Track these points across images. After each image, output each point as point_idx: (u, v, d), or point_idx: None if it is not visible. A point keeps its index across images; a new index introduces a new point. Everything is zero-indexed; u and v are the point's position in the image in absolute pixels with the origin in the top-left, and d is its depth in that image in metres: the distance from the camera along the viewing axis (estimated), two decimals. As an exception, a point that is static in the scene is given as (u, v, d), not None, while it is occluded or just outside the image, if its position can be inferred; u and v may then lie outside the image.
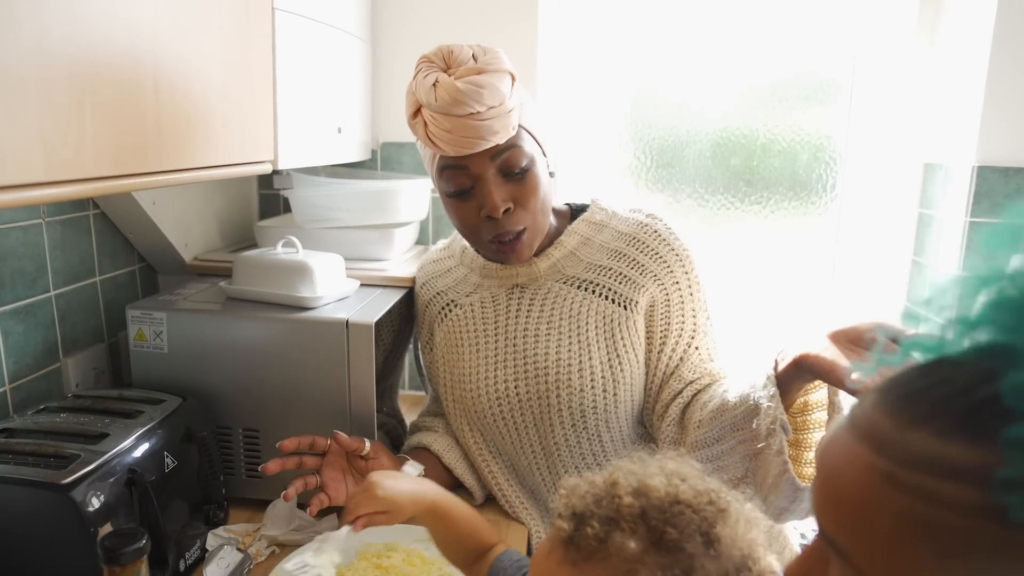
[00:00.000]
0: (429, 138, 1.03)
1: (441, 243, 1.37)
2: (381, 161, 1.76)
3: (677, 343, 1.15)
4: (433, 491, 0.91)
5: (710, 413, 1.04)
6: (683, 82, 1.79)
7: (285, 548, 1.10)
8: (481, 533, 0.91)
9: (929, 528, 0.38)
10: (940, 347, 0.41)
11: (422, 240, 1.73)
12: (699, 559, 0.59)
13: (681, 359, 1.15)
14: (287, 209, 1.73)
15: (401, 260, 1.51)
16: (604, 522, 0.62)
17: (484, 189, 1.06)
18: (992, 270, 0.39)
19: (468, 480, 1.23)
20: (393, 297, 1.29)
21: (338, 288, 1.26)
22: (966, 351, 0.40)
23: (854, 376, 0.83)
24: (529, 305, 1.17)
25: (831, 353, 0.87)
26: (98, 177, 0.77)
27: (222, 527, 1.14)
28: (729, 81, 1.77)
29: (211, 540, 1.10)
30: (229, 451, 1.23)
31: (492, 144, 1.03)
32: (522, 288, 1.19)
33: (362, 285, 1.34)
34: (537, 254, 1.17)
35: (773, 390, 0.94)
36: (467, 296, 1.23)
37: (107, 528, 0.91)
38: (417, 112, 1.04)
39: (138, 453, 1.00)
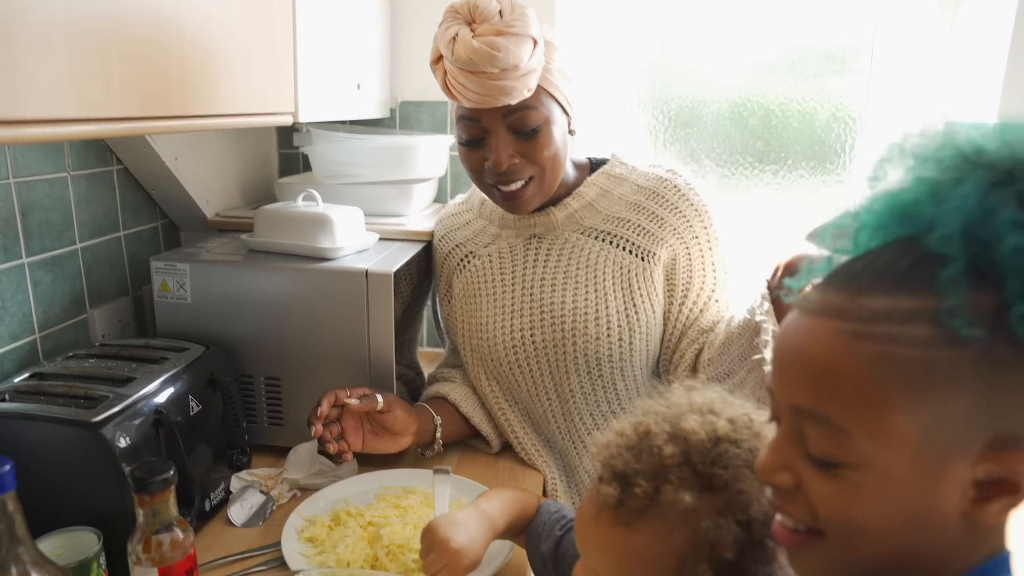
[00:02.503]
0: (447, 86, 1.04)
1: (460, 197, 1.38)
2: (400, 120, 1.76)
3: (699, 296, 1.17)
4: (489, 520, 0.86)
5: (718, 349, 1.06)
6: (702, 48, 1.77)
7: (306, 492, 1.13)
8: (526, 509, 0.90)
9: (896, 366, 0.44)
10: (856, 247, 0.50)
11: (440, 197, 1.74)
12: (753, 494, 0.59)
13: (701, 311, 1.17)
14: (307, 168, 1.74)
15: (420, 216, 1.52)
16: (650, 478, 0.61)
17: (492, 143, 1.08)
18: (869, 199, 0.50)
19: (485, 428, 1.25)
20: (412, 250, 1.31)
21: (358, 240, 1.28)
22: (876, 246, 0.49)
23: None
24: (547, 255, 1.18)
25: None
26: (125, 117, 0.78)
27: (245, 471, 1.17)
28: (748, 47, 1.75)
29: (235, 483, 1.13)
30: (251, 399, 1.26)
31: (504, 103, 1.04)
32: (540, 238, 1.20)
33: (381, 239, 1.35)
34: (555, 204, 1.18)
35: (767, 305, 0.96)
36: (485, 247, 1.24)
37: (136, 465, 0.94)
38: (438, 60, 1.05)
39: (164, 396, 1.03)
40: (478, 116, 1.07)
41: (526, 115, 1.07)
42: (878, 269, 0.47)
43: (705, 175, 1.80)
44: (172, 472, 0.81)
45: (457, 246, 1.28)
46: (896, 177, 0.49)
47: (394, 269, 1.17)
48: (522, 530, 0.90)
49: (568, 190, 1.19)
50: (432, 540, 0.81)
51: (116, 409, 0.95)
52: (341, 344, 1.20)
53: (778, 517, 0.53)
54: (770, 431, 0.61)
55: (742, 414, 0.65)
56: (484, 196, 1.24)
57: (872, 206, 0.50)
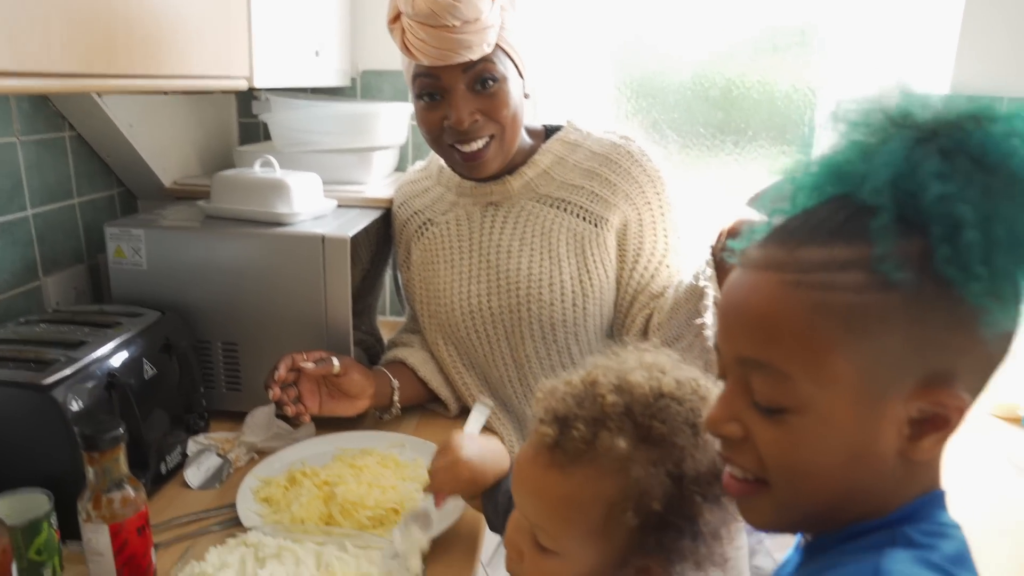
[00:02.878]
0: (406, 45, 1.04)
1: (419, 164, 1.38)
2: (361, 89, 1.75)
3: (649, 261, 1.18)
4: (506, 456, 0.88)
5: (667, 314, 1.08)
6: (665, 22, 1.78)
7: (264, 455, 1.14)
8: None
9: (833, 311, 0.47)
10: (794, 207, 0.53)
11: (402, 166, 1.73)
12: (688, 450, 0.62)
13: (652, 276, 1.18)
14: (267, 137, 1.73)
15: (380, 184, 1.52)
16: (589, 423, 0.62)
17: (452, 101, 1.08)
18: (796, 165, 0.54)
19: (443, 392, 1.26)
20: (370, 216, 1.31)
21: (315, 206, 1.28)
22: (812, 205, 0.52)
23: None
24: (503, 222, 1.20)
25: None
26: (65, 74, 0.77)
27: (203, 435, 1.17)
28: (711, 22, 1.76)
29: (192, 446, 1.14)
30: (209, 364, 1.26)
31: (465, 59, 1.04)
32: (496, 206, 1.21)
33: (339, 206, 1.35)
34: (510, 172, 1.19)
35: (710, 271, 0.98)
36: (443, 214, 1.25)
37: (89, 429, 0.94)
38: (396, 18, 1.05)
39: (117, 360, 1.03)
40: (437, 74, 1.07)
41: (485, 70, 1.07)
42: (815, 224, 0.50)
43: (667, 146, 1.81)
44: (121, 430, 0.81)
45: (415, 213, 1.29)
46: (831, 142, 0.52)
47: (351, 234, 1.17)
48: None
49: (524, 158, 1.20)
50: (446, 444, 0.85)
51: (67, 372, 0.94)
52: (298, 309, 1.21)
53: (727, 468, 0.56)
54: (715, 395, 0.64)
55: (690, 377, 0.67)
56: (442, 163, 1.24)
57: (809, 168, 0.53)
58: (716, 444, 0.63)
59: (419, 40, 1.02)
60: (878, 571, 0.46)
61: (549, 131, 1.25)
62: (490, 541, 1.23)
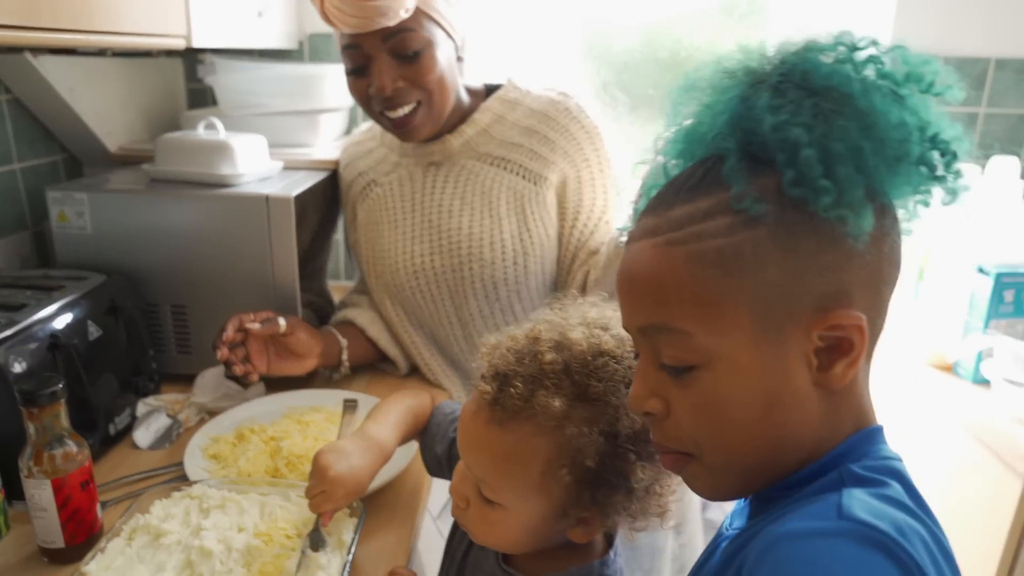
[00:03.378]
0: (325, 13, 1.04)
1: (364, 125, 1.38)
2: (309, 52, 1.74)
3: (588, 218, 1.20)
4: (377, 447, 0.85)
5: (602, 270, 1.11)
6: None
7: (214, 415, 1.15)
8: (417, 415, 0.91)
9: (708, 258, 0.49)
10: (667, 178, 0.56)
11: (351, 129, 1.73)
12: (624, 408, 0.63)
13: (592, 233, 1.20)
14: (215, 103, 1.70)
15: (328, 146, 1.52)
16: (528, 381, 0.64)
17: (375, 69, 1.08)
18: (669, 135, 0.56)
19: (392, 352, 1.28)
20: (316, 177, 1.31)
21: (260, 167, 1.27)
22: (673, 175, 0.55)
23: None
24: (444, 182, 1.20)
25: None
26: (-13, 27, 0.76)
27: (152, 396, 1.18)
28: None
29: (141, 408, 1.14)
30: (158, 327, 1.26)
31: (382, 25, 1.04)
32: (437, 166, 1.22)
33: (286, 167, 1.35)
34: (450, 131, 1.20)
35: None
36: (387, 175, 1.26)
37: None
38: None
39: (60, 323, 1.03)
40: (359, 43, 1.07)
41: (406, 38, 1.06)
42: (678, 185, 0.53)
43: (616, 107, 1.83)
44: (60, 386, 0.82)
45: (360, 174, 1.30)
46: (688, 111, 0.55)
47: (294, 194, 1.17)
48: (416, 435, 0.93)
49: (463, 117, 1.21)
50: (315, 466, 0.82)
51: (8, 333, 0.94)
52: (245, 270, 1.21)
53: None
54: None
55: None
56: None
57: (674, 138, 0.56)
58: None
59: (336, 8, 1.02)
60: (840, 508, 0.45)
61: (490, 90, 1.26)
62: (441, 495, 1.26)
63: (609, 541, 0.73)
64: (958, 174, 0.49)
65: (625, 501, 0.64)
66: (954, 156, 0.49)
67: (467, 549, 0.80)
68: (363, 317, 1.28)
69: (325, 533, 0.83)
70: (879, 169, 0.47)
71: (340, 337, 1.24)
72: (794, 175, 0.47)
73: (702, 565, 0.60)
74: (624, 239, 0.58)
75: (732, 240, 0.48)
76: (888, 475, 0.49)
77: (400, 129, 1.14)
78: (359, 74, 1.11)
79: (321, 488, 0.80)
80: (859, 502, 0.45)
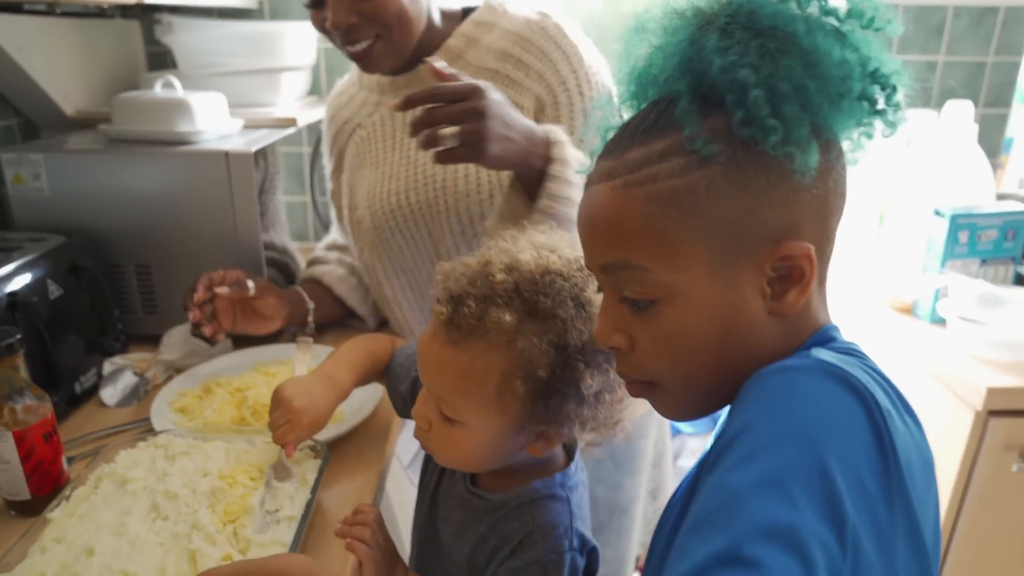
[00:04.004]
0: None
1: (345, 77, 1.33)
2: (270, 10, 1.71)
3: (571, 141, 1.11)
4: (336, 383, 0.88)
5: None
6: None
7: (181, 372, 1.15)
8: (376, 356, 0.93)
9: (665, 198, 0.51)
10: (621, 122, 0.57)
11: (315, 89, 1.72)
12: (572, 322, 0.66)
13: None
14: (175, 65, 1.69)
15: (291, 106, 1.51)
16: (480, 300, 0.66)
17: (330, 2, 1.05)
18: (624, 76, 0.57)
19: (361, 310, 1.28)
20: (278, 135, 1.31)
21: (220, 125, 1.27)
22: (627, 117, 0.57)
23: None
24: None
25: None
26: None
27: (119, 356, 1.18)
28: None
29: (107, 366, 1.15)
30: (123, 288, 1.26)
31: None
32: None
33: (247, 126, 1.34)
34: (423, 61, 1.09)
35: None
36: (369, 117, 1.22)
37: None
38: None
39: (18, 282, 1.02)
40: None
41: None
42: (632, 129, 0.54)
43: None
44: (17, 337, 0.82)
45: (345, 123, 1.26)
46: (640, 53, 0.56)
47: (254, 149, 1.17)
48: (378, 375, 0.94)
49: (437, 44, 1.15)
50: (277, 399, 0.84)
51: (-35, 292, 0.94)
52: (209, 228, 1.21)
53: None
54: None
55: (578, 256, 0.70)
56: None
57: (626, 81, 0.57)
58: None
59: None
60: (810, 355, 0.50)
61: (467, 12, 1.19)
62: (411, 444, 1.28)
63: (570, 456, 0.76)
64: (898, 107, 0.52)
65: (576, 408, 0.66)
66: (894, 89, 0.51)
67: (438, 479, 0.82)
68: (331, 275, 1.28)
69: (290, 464, 0.85)
70: (823, 106, 0.49)
71: (307, 299, 1.23)
72: (743, 115, 0.49)
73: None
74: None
75: (687, 180, 0.50)
76: (853, 354, 0.53)
77: (359, 62, 1.10)
78: (316, 6, 1.08)
79: (285, 419, 0.83)
80: (827, 354, 0.50)
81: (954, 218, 1.40)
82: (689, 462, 2.05)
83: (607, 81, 1.13)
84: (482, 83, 0.88)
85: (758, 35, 0.49)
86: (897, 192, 1.55)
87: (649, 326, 0.54)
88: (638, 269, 0.52)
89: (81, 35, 1.50)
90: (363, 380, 0.91)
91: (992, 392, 1.24)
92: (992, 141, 1.83)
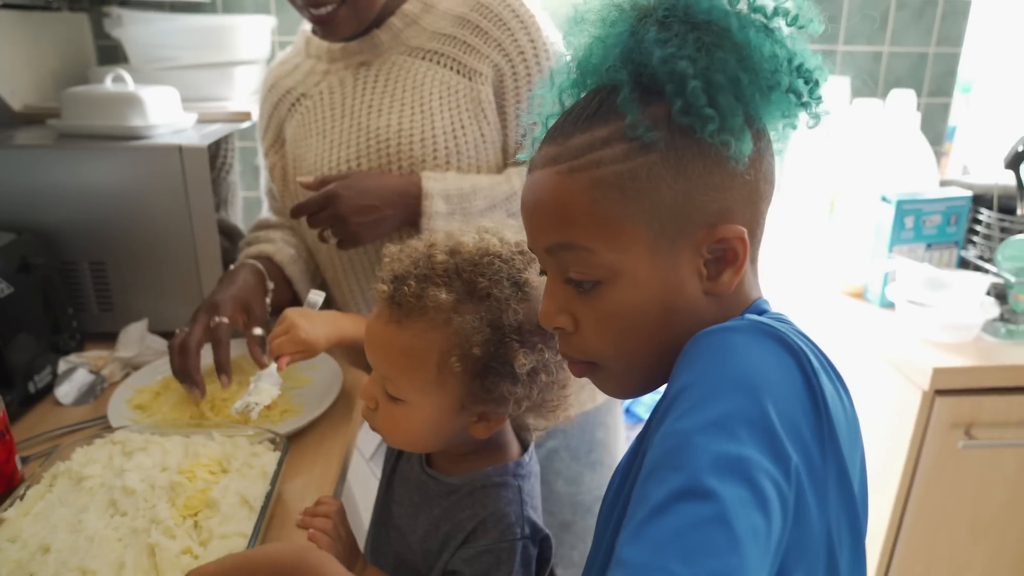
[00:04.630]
0: None
1: (287, 49, 1.30)
2: (222, 4, 1.69)
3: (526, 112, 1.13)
4: (342, 326, 0.95)
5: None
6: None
7: (139, 369, 1.14)
8: None
9: (608, 182, 0.53)
10: (564, 108, 0.60)
11: (271, 84, 1.70)
12: (508, 302, 0.68)
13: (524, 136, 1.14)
14: (127, 60, 1.66)
15: (245, 100, 1.49)
16: (420, 279, 0.68)
17: None
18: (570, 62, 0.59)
19: (303, 295, 1.18)
20: (232, 129, 1.30)
21: (172, 119, 1.25)
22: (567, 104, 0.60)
23: None
24: (375, 81, 1.14)
25: None
26: None
27: (74, 354, 1.16)
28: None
29: (62, 365, 1.13)
30: (77, 286, 1.24)
31: None
32: (367, 65, 1.15)
33: (201, 120, 1.33)
34: (378, 25, 1.13)
35: None
36: (316, 85, 1.19)
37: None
38: None
39: (-33, 280, 1.00)
40: None
41: None
42: (575, 116, 0.56)
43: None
44: (-34, 335, 0.81)
45: (287, 92, 1.22)
46: (580, 43, 0.58)
47: (208, 143, 1.16)
48: None
49: (393, 8, 1.13)
50: (282, 318, 0.93)
51: (-90, 291, 0.92)
52: (164, 224, 1.19)
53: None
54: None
55: (521, 240, 0.72)
56: (309, 35, 1.19)
57: (566, 70, 0.60)
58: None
59: None
60: (744, 317, 0.54)
61: None
62: (374, 438, 1.28)
63: (524, 446, 0.78)
64: (820, 100, 0.55)
65: (510, 387, 0.68)
66: (816, 83, 0.54)
67: (395, 463, 0.84)
68: (282, 254, 1.21)
69: (278, 375, 0.93)
70: (755, 97, 0.52)
71: (268, 279, 1.16)
72: (682, 104, 0.51)
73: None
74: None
75: (628, 165, 0.52)
76: (782, 321, 0.56)
77: (321, 27, 1.08)
78: None
79: (284, 331, 0.90)
80: (766, 316, 0.55)
81: (900, 204, 1.45)
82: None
83: (562, 52, 1.13)
84: (334, 185, 1.02)
85: (694, 28, 0.52)
86: (846, 179, 1.59)
87: (593, 307, 0.56)
88: (583, 250, 0.54)
89: (27, 28, 1.47)
90: (359, 345, 0.90)
91: (938, 372, 1.28)
92: (936, 129, 1.89)
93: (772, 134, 0.56)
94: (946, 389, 1.31)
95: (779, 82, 0.52)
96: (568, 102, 0.60)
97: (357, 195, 1.03)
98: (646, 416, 1.95)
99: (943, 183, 1.62)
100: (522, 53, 1.10)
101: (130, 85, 1.24)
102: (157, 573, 0.70)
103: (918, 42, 1.83)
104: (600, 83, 0.57)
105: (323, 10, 1.04)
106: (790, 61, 0.53)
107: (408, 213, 1.06)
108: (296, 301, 1.22)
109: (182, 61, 1.45)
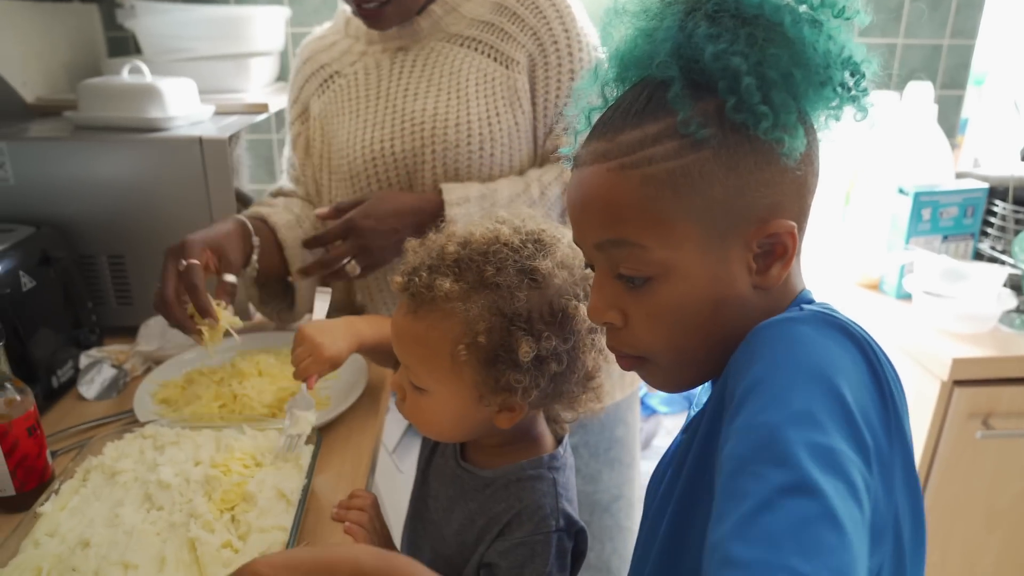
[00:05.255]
0: None
1: (325, 24, 1.29)
2: (235, -6, 1.68)
3: (556, 101, 1.13)
4: (359, 330, 0.94)
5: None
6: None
7: (161, 363, 1.13)
8: None
9: (660, 180, 0.53)
10: (605, 101, 0.60)
11: (284, 76, 1.69)
12: (517, 290, 0.67)
13: (553, 127, 1.14)
14: (138, 51, 1.64)
15: (260, 92, 1.48)
16: (430, 270, 0.69)
17: None
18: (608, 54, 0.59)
19: (296, 263, 1.17)
20: (250, 121, 1.29)
21: (191, 111, 1.24)
22: (614, 98, 0.59)
23: None
24: (412, 66, 1.14)
25: None
26: None
27: (95, 348, 1.15)
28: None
29: (84, 359, 1.12)
30: (96, 279, 1.23)
31: None
32: (405, 51, 1.15)
33: (218, 113, 1.32)
34: (419, 12, 1.13)
35: None
36: (351, 65, 1.19)
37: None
38: None
39: (-11, 274, 1.00)
40: None
41: None
42: (624, 110, 0.56)
43: None
44: (-2, 329, 0.80)
45: (321, 67, 1.22)
46: (621, 34, 0.58)
47: (228, 135, 1.15)
48: (395, 356, 0.95)
49: None
50: (300, 337, 0.91)
51: (-64, 285, 0.91)
52: (183, 217, 1.18)
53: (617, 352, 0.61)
54: (565, 243, 0.72)
55: (536, 229, 0.72)
56: (349, 15, 1.18)
57: (608, 63, 0.59)
58: (553, 285, 0.69)
59: None
60: (800, 308, 0.53)
61: None
62: (396, 430, 1.28)
63: (558, 439, 0.78)
64: (866, 91, 0.54)
65: (516, 376, 0.67)
66: (863, 76, 0.54)
67: (429, 457, 0.84)
68: (277, 217, 1.15)
69: (310, 396, 0.90)
70: (808, 93, 0.52)
71: (253, 233, 1.09)
72: (736, 101, 0.51)
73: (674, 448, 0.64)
74: (569, 165, 0.60)
75: (680, 162, 0.52)
76: (829, 310, 0.55)
77: (369, 20, 1.08)
78: None
79: (308, 353, 0.89)
80: (815, 306, 0.55)
81: (917, 196, 1.45)
82: (665, 441, 2.09)
83: (596, 44, 1.13)
84: (353, 215, 1.04)
85: (746, 23, 0.51)
86: (862, 172, 1.59)
87: (643, 302, 0.56)
88: (635, 247, 0.54)
89: (38, 20, 1.45)
90: (379, 346, 0.94)
91: (957, 363, 1.29)
92: (949, 122, 1.89)
93: (816, 125, 0.56)
94: (964, 379, 1.31)
95: (831, 77, 0.52)
96: (610, 95, 0.59)
97: (376, 222, 1.04)
98: (661, 408, 1.95)
99: (957, 176, 1.62)
100: (555, 42, 1.10)
101: (148, 77, 1.23)
102: (199, 567, 0.69)
103: (932, 34, 1.83)
104: (644, 76, 0.56)
105: (371, 4, 1.04)
106: (839, 55, 0.52)
107: (428, 221, 1.03)
108: (285, 269, 1.17)
109: (196, 52, 1.43)
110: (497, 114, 1.10)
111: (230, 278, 1.03)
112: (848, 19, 0.54)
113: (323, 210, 1.09)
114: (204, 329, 0.96)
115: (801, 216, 0.56)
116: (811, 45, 0.51)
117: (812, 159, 0.56)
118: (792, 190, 0.55)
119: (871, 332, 0.52)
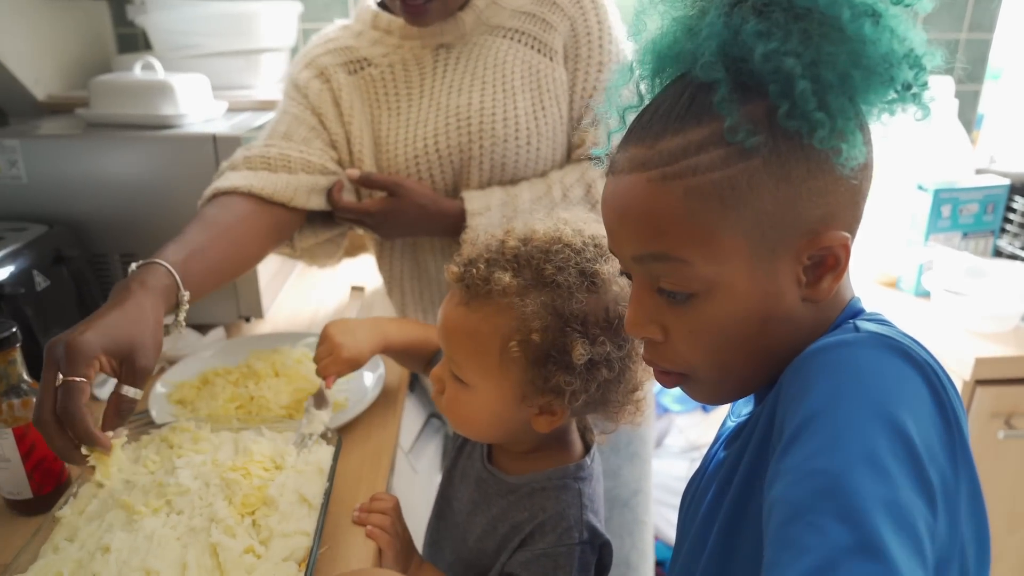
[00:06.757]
0: None
1: (339, 22, 1.23)
2: (245, -10, 1.67)
3: (583, 93, 1.11)
4: (386, 332, 0.94)
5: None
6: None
7: (174, 362, 1.12)
8: (431, 341, 0.94)
9: (705, 191, 0.49)
10: (641, 99, 0.56)
11: (295, 72, 1.67)
12: (576, 292, 0.66)
13: (582, 117, 1.12)
14: (148, 47, 1.63)
15: (272, 88, 1.47)
16: (489, 263, 0.68)
17: None
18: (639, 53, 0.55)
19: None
20: (263, 118, 1.27)
21: (204, 108, 1.23)
22: (656, 92, 0.54)
23: None
24: (456, 62, 1.11)
25: None
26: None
27: (108, 348, 1.14)
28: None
29: (97, 359, 1.11)
30: (108, 278, 1.22)
31: None
32: (448, 47, 1.12)
33: (231, 109, 1.30)
34: (462, 7, 1.10)
35: None
36: (384, 56, 1.13)
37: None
38: None
39: (3, 272, 0.99)
40: None
41: None
42: (664, 114, 0.51)
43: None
44: (13, 330, 0.79)
45: (348, 48, 1.14)
46: (655, 25, 0.53)
47: (241, 132, 1.14)
48: (423, 359, 0.95)
49: None
50: (323, 336, 0.92)
51: (-50, 285, 0.90)
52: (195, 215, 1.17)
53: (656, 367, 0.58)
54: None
55: (597, 233, 0.70)
56: (376, 11, 1.14)
57: (643, 57, 0.54)
58: (610, 292, 0.67)
59: None
60: (856, 328, 0.49)
61: None
62: (411, 431, 1.27)
63: (588, 448, 0.76)
64: (927, 86, 0.49)
65: (567, 378, 0.66)
66: (924, 70, 0.48)
67: (454, 459, 0.83)
68: (262, 186, 1.03)
69: (329, 395, 0.91)
70: (868, 96, 0.47)
71: (181, 290, 0.91)
72: (789, 108, 0.46)
73: (709, 459, 0.62)
74: (600, 166, 0.57)
75: (727, 173, 0.48)
76: (883, 323, 0.52)
77: (413, 17, 1.04)
78: None
79: (328, 352, 0.89)
80: (871, 324, 0.50)
81: (937, 193, 1.43)
82: (677, 440, 2.07)
83: (623, 38, 1.11)
84: (400, 190, 1.06)
85: (798, 18, 0.46)
86: (882, 168, 1.57)
87: (686, 319, 0.52)
88: (678, 262, 0.50)
89: (47, 16, 1.44)
90: (406, 350, 0.94)
91: (980, 362, 1.27)
92: (966, 117, 1.87)
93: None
94: (987, 379, 1.30)
95: (893, 76, 0.47)
96: (645, 92, 0.55)
97: (408, 205, 1.07)
98: (674, 407, 1.92)
99: (975, 171, 1.60)
100: (588, 33, 1.09)
101: (160, 73, 1.22)
102: (221, 573, 0.68)
103: (950, 28, 1.80)
104: (680, 72, 0.52)
105: (417, 0, 1.01)
106: (902, 51, 0.47)
107: (448, 231, 1.09)
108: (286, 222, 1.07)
109: (207, 49, 1.42)
110: (543, 107, 1.09)
111: (130, 392, 0.77)
112: (909, 6, 0.48)
113: (354, 172, 1.09)
114: (93, 459, 0.74)
115: (854, 224, 0.52)
116: (873, 44, 0.46)
117: (868, 164, 0.51)
118: (847, 198, 0.50)
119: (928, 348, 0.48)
